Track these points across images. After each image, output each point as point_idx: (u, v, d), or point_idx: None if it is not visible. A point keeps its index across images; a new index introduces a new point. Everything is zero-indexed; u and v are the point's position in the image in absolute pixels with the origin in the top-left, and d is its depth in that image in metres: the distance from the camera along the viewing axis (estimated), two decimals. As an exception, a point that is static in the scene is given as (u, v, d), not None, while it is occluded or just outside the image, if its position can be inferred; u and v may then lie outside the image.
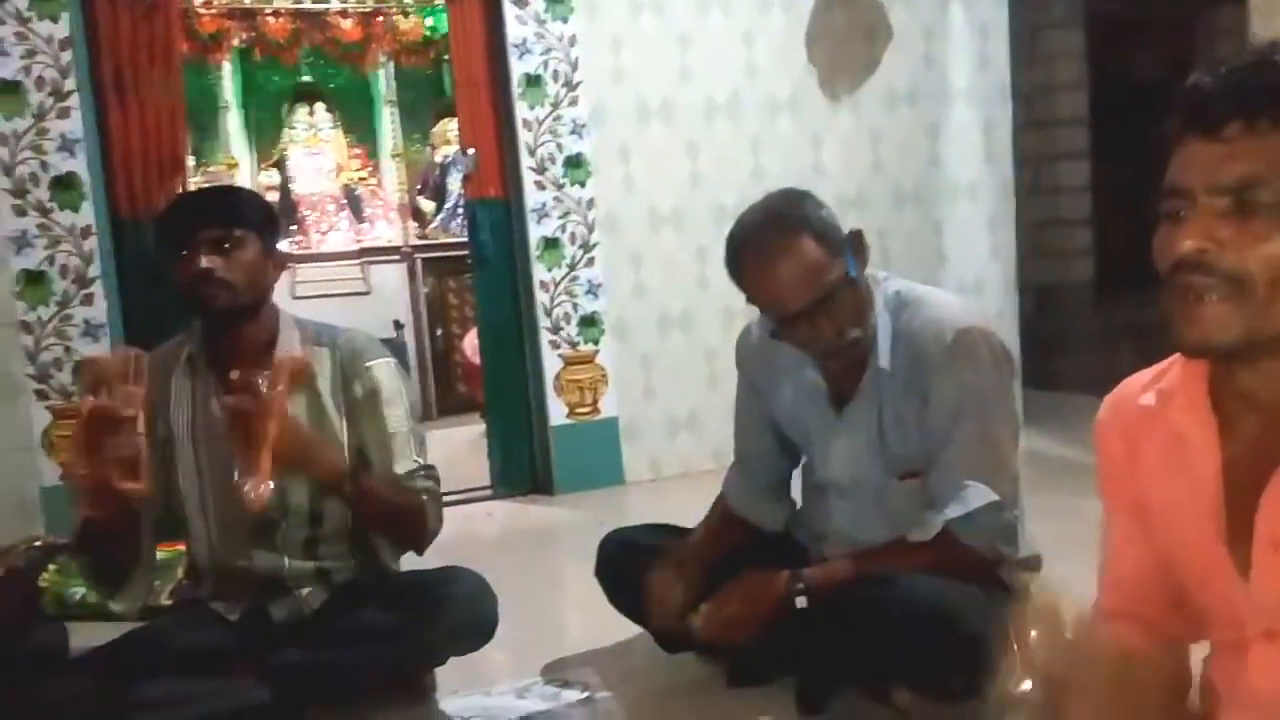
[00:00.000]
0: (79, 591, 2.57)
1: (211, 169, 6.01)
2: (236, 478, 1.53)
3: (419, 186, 6.46)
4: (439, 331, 6.05)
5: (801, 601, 1.63)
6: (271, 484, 1.50)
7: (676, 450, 3.90)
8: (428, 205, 6.43)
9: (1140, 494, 0.99)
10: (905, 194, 4.19)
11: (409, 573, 1.88)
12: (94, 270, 3.27)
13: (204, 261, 1.64)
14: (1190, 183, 0.82)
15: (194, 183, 5.66)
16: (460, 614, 1.73)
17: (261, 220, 1.74)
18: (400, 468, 1.75)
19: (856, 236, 1.65)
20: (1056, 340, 5.32)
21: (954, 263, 4.28)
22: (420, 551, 1.80)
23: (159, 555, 2.93)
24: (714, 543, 1.90)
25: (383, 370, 1.79)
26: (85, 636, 1.92)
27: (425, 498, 1.75)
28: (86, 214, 3.25)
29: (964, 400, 1.59)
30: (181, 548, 2.00)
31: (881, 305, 1.68)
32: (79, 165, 3.24)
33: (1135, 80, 5.45)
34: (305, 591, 1.78)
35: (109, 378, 1.47)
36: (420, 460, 1.78)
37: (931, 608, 1.48)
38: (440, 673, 1.93)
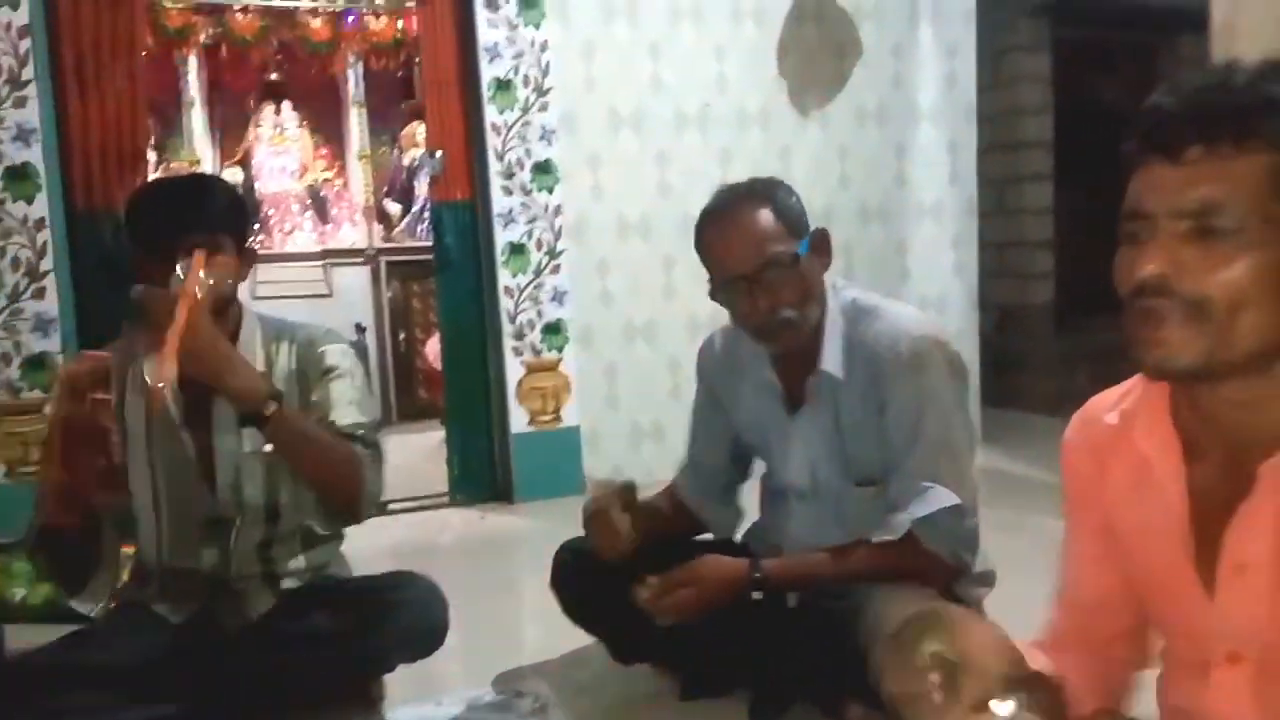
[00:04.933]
0: (20, 592, 2.51)
1: (173, 165, 5.93)
2: (145, 374, 1.49)
3: (386, 189, 6.42)
4: (402, 336, 6.00)
5: (757, 594, 1.61)
6: (174, 370, 1.43)
7: (639, 460, 3.88)
8: (394, 208, 6.38)
9: (1107, 513, 0.99)
10: (871, 210, 4.22)
11: (358, 578, 1.85)
12: (47, 264, 3.19)
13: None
14: (1152, 206, 0.81)
15: (155, 178, 5.59)
16: (410, 620, 1.70)
17: (237, 220, 1.70)
18: (339, 419, 1.69)
19: (821, 234, 1.69)
20: (1016, 360, 5.38)
21: (917, 280, 4.31)
22: (358, 514, 1.70)
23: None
24: (662, 508, 1.92)
25: (335, 351, 1.77)
26: (27, 638, 1.87)
27: (362, 450, 1.68)
28: (41, 206, 3.18)
29: (921, 409, 1.60)
30: (129, 548, 1.94)
31: (836, 311, 1.70)
32: (35, 156, 3.17)
33: (1099, 105, 5.55)
34: (252, 595, 1.74)
35: (84, 386, 1.43)
36: (362, 421, 1.71)
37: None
38: (389, 680, 1.90)
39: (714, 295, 1.69)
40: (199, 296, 1.47)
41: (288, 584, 1.77)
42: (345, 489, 1.66)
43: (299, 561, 1.78)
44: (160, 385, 1.44)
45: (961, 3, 4.32)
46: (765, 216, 1.62)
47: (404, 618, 1.69)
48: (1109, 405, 0.98)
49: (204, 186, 1.73)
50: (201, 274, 1.50)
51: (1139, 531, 0.94)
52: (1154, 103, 0.83)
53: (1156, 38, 5.68)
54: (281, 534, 1.75)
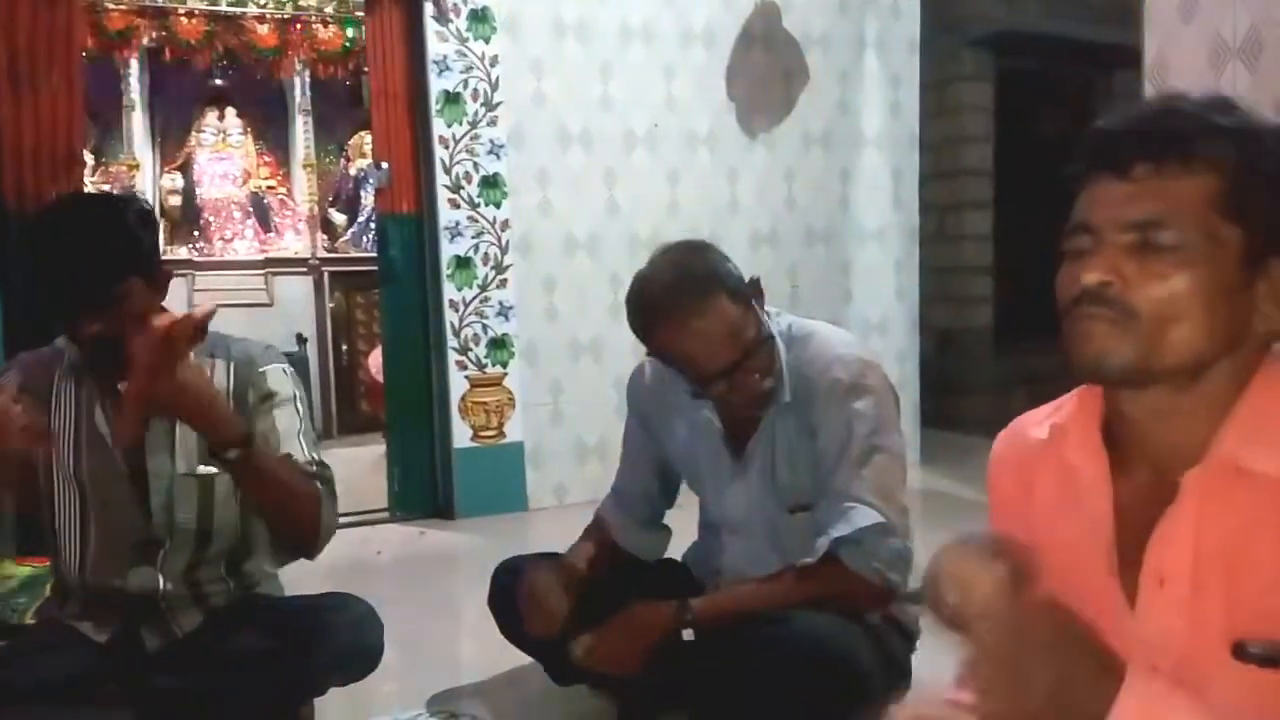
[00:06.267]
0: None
1: (112, 169, 5.80)
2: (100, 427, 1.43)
3: (331, 198, 6.34)
4: (344, 347, 5.92)
5: (688, 634, 1.61)
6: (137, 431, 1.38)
7: (583, 477, 3.87)
8: (339, 218, 6.30)
9: (1033, 529, 1.00)
10: (816, 233, 4.27)
11: (290, 597, 1.81)
12: (-28, 266, 3.10)
13: (89, 327, 1.52)
14: (1098, 219, 0.84)
15: (92, 182, 5.46)
16: (343, 642, 1.65)
17: (141, 259, 1.58)
18: (294, 455, 1.66)
19: (756, 284, 1.66)
20: (955, 382, 5.48)
21: (860, 302, 4.37)
22: (312, 550, 1.67)
23: (26, 571, 2.80)
24: (596, 555, 1.90)
25: (276, 374, 1.72)
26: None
27: (320, 486, 1.65)
28: (-33, 206, 3.09)
29: (852, 432, 1.61)
30: (48, 563, 1.88)
31: (779, 342, 1.69)
32: (-37, 156, 3.08)
33: (1039, 135, 5.69)
34: (178, 613, 1.69)
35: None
36: (315, 458, 1.69)
37: (822, 648, 1.48)
38: (319, 703, 1.86)
39: (695, 394, 1.65)
40: (161, 341, 1.37)
41: (215, 602, 1.72)
42: (303, 527, 1.63)
43: (226, 581, 1.73)
44: (119, 431, 1.38)
45: (906, 33, 4.41)
46: (726, 308, 1.56)
47: (337, 640, 1.65)
48: (1038, 420, 1.00)
49: (93, 234, 1.61)
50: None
51: (1064, 545, 0.96)
52: (1101, 124, 0.86)
53: (1095, 72, 5.86)
54: (212, 556, 1.70)
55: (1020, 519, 1.02)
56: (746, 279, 1.65)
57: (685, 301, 1.55)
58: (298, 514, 1.62)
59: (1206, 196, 0.81)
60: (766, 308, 1.71)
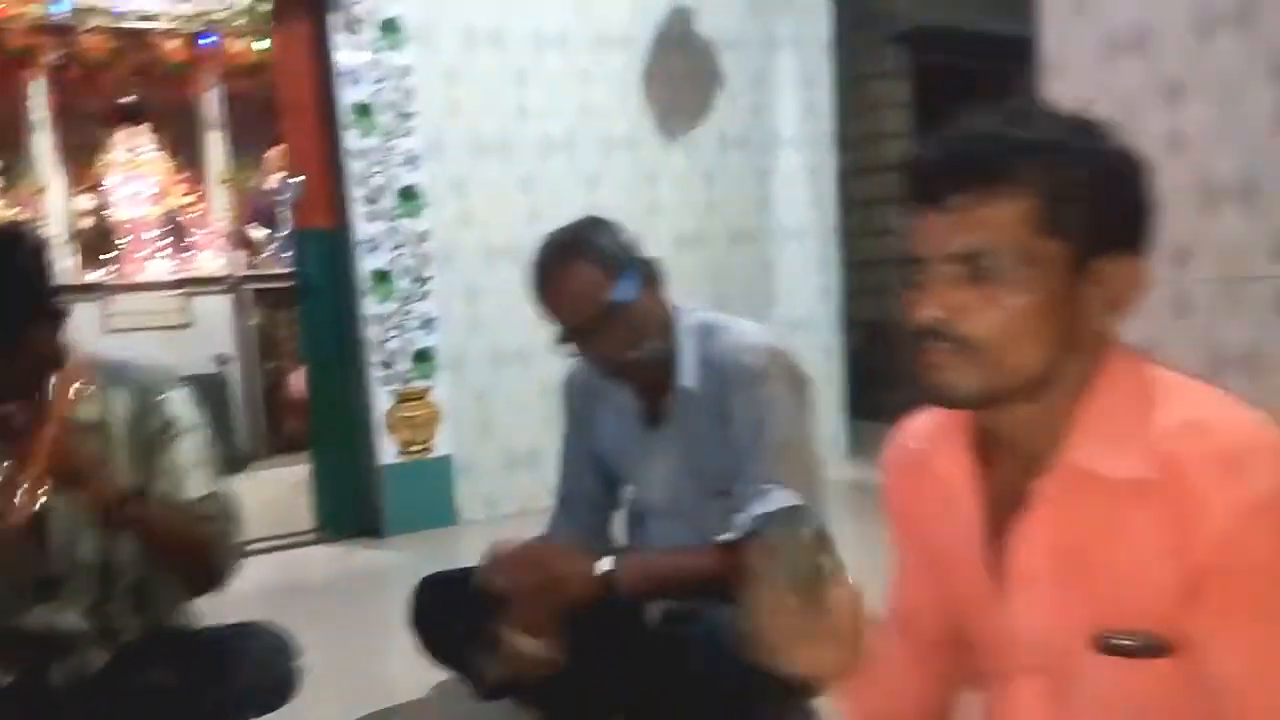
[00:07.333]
0: None
1: (20, 190, 5.61)
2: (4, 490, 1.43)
3: (251, 214, 6.20)
4: (271, 366, 5.81)
5: (606, 564, 1.60)
6: (42, 496, 1.40)
7: (514, 488, 3.85)
8: (259, 234, 6.17)
9: (920, 531, 1.03)
10: (738, 234, 4.31)
11: (200, 630, 1.77)
12: None
13: None
14: (924, 251, 0.85)
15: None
16: (254, 673, 1.63)
17: (39, 298, 1.56)
18: (190, 490, 1.64)
19: (647, 264, 1.71)
20: (884, 374, 5.55)
21: (784, 300, 4.42)
22: (213, 588, 1.66)
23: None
24: None
25: (177, 401, 1.69)
26: None
27: (214, 526, 1.64)
28: None
29: (762, 416, 1.65)
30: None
31: (686, 332, 1.73)
32: None
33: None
34: (86, 652, 1.64)
35: None
36: (213, 490, 1.66)
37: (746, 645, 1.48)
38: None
39: (558, 343, 1.71)
40: (66, 415, 1.40)
41: (125, 638, 1.67)
42: (197, 573, 1.64)
43: (135, 616, 1.69)
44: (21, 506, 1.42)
45: (819, 33, 4.47)
46: (581, 270, 1.64)
47: (248, 672, 1.62)
48: (913, 430, 1.03)
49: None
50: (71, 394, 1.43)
51: (946, 548, 0.99)
52: (917, 154, 0.87)
53: (1010, 66, 5.97)
54: (118, 591, 1.66)
55: (910, 521, 1.05)
56: (647, 262, 1.71)
57: (545, 261, 1.69)
58: (191, 561, 1.62)
59: (1022, 218, 0.81)
60: (679, 303, 1.76)
